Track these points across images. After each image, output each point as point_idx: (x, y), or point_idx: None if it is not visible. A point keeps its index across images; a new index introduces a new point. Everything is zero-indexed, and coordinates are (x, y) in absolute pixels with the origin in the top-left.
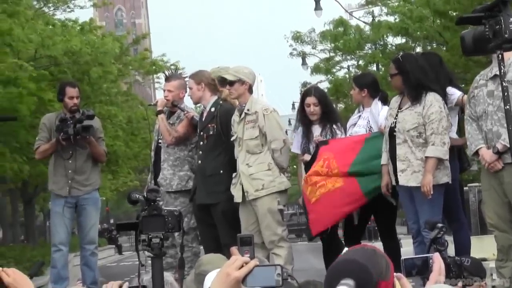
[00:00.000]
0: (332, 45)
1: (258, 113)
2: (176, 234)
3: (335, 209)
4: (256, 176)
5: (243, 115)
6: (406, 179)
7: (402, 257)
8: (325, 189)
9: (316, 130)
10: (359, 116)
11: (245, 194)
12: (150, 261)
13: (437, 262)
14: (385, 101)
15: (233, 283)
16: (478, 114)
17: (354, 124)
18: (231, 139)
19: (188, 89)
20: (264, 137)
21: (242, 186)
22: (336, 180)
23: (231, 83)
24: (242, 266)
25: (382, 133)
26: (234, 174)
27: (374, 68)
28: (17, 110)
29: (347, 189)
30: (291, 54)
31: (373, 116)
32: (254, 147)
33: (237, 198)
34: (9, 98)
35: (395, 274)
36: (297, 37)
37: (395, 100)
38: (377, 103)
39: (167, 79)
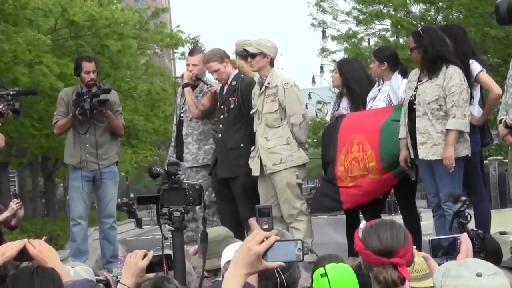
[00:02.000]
0: (354, 13)
1: (278, 87)
2: (197, 207)
3: (371, 195)
4: (274, 150)
5: (263, 88)
6: (426, 152)
7: (429, 238)
8: (363, 180)
9: (344, 102)
10: (379, 89)
11: (263, 167)
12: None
13: (465, 243)
14: (405, 74)
15: (254, 257)
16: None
17: (374, 98)
18: (251, 112)
19: (213, 73)
20: (283, 111)
21: (260, 159)
22: (368, 177)
23: (253, 56)
24: (263, 240)
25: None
26: (252, 148)
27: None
28: (39, 85)
29: (383, 180)
30: (312, 24)
31: (392, 89)
32: (273, 120)
33: (255, 171)
34: (33, 78)
35: (422, 254)
36: (318, 3)
37: (414, 73)
38: (397, 77)
39: (191, 53)
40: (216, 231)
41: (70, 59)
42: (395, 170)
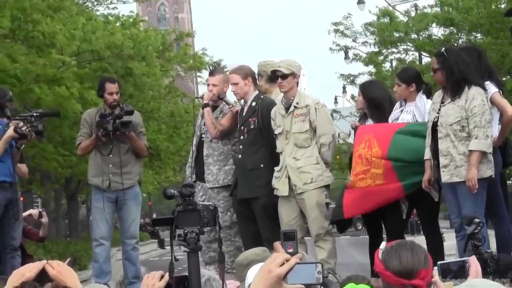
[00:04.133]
0: (374, 37)
1: (309, 107)
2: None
3: (372, 201)
4: (304, 170)
5: (291, 108)
6: (449, 175)
7: (438, 262)
8: (364, 183)
9: (368, 124)
10: (401, 110)
11: (293, 187)
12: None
13: (474, 266)
14: (430, 94)
15: (274, 279)
16: None
17: (397, 119)
18: (275, 132)
19: (232, 85)
20: (313, 131)
21: (289, 179)
22: (377, 176)
23: (285, 77)
24: (284, 263)
25: (424, 124)
26: (277, 168)
27: (417, 61)
28: (62, 108)
29: (387, 187)
30: (331, 49)
31: (418, 109)
32: (303, 140)
33: (283, 191)
34: (55, 99)
35: (432, 279)
36: (337, 30)
37: (437, 95)
38: (421, 97)
39: (211, 73)
40: (253, 251)
41: (92, 85)
42: (405, 179)
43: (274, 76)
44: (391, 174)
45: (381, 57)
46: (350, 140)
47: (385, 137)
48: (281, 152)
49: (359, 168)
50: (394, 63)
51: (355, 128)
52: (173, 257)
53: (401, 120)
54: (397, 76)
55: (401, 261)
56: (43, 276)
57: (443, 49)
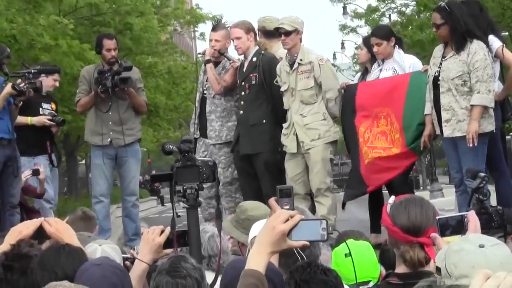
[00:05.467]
0: None
1: (313, 63)
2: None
3: (389, 170)
4: (312, 126)
5: (295, 65)
6: (451, 129)
7: (437, 217)
8: (379, 155)
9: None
10: (380, 70)
11: (301, 144)
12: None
13: (472, 221)
14: (403, 47)
15: (278, 236)
16: None
17: (377, 79)
18: (281, 90)
19: (234, 39)
20: (318, 87)
21: (297, 136)
22: (392, 152)
23: (288, 33)
24: (288, 219)
25: (423, 72)
26: (285, 125)
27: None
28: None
29: (402, 154)
30: (332, 0)
31: (398, 64)
32: (309, 97)
33: (291, 148)
34: (53, 57)
35: (431, 234)
36: None
37: (438, 49)
38: (398, 51)
39: (214, 28)
40: (255, 204)
41: (90, 46)
42: (414, 145)
43: (278, 33)
44: (403, 144)
45: (378, 14)
46: None
47: (399, 106)
48: (288, 109)
49: (380, 144)
50: (393, 17)
51: (346, 88)
52: (174, 213)
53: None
54: (374, 36)
55: (410, 217)
56: (40, 233)
57: (443, 3)
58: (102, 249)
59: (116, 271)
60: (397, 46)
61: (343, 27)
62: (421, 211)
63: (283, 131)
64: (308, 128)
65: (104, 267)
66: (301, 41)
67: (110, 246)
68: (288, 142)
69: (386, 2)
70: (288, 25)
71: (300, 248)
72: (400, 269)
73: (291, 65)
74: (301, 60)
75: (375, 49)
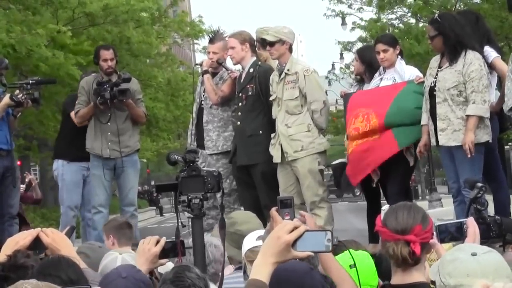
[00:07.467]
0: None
1: (298, 74)
2: (218, 195)
3: (369, 158)
4: (295, 137)
5: (283, 75)
6: (446, 139)
7: (436, 223)
8: (361, 141)
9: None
10: (381, 78)
11: (284, 154)
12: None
13: (471, 227)
14: (401, 56)
15: (283, 246)
16: None
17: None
18: (270, 99)
19: (229, 49)
20: (304, 97)
21: (281, 146)
22: (373, 138)
23: (272, 44)
24: (293, 230)
25: (415, 82)
26: (272, 135)
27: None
28: (58, 76)
29: (383, 139)
30: (325, 14)
31: (398, 74)
32: (294, 107)
33: (276, 158)
34: (52, 65)
35: (430, 241)
36: None
37: (435, 60)
38: (400, 62)
39: (211, 41)
40: (244, 216)
41: (86, 57)
42: (401, 138)
43: (264, 44)
44: (388, 135)
45: (379, 24)
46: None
47: (383, 105)
48: (275, 119)
49: (354, 139)
50: (391, 30)
51: (344, 96)
52: (179, 222)
53: None
54: (381, 42)
55: (397, 217)
56: (37, 243)
57: (436, 15)
58: (122, 257)
59: (140, 285)
60: (400, 56)
61: (338, 43)
62: (409, 212)
63: (271, 141)
64: (292, 139)
65: (129, 280)
66: (291, 51)
67: (130, 255)
68: (274, 152)
69: (386, 13)
70: (271, 36)
71: (301, 258)
72: (396, 279)
73: (280, 75)
74: (288, 70)
75: (381, 55)
